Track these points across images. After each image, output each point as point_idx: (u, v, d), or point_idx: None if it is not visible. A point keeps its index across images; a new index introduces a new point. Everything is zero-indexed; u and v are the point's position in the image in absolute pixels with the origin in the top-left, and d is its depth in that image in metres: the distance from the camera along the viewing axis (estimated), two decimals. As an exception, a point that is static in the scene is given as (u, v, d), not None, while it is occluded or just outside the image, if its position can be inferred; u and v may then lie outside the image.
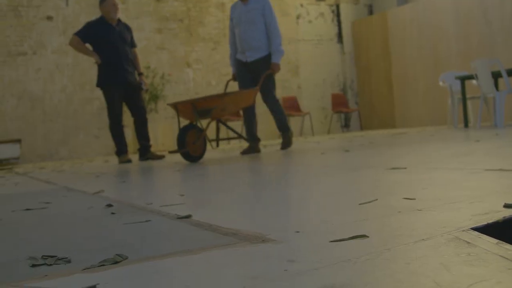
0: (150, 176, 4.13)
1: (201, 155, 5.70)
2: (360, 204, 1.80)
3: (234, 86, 12.20)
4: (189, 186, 3.04)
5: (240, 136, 6.25)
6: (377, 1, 14.08)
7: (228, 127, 6.22)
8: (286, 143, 6.58)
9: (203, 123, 12.07)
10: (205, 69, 12.07)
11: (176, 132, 11.25)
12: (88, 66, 10.42)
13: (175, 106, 5.73)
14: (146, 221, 1.86)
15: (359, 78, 13.96)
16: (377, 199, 1.86)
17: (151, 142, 9.71)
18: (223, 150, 8.00)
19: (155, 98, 10.77)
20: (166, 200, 2.46)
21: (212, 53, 12.18)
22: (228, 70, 12.35)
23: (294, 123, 12.87)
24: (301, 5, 13.40)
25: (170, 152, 5.58)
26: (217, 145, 6.34)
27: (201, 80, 12.00)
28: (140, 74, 7.07)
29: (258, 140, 6.54)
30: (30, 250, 1.51)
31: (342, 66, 13.87)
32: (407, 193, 1.96)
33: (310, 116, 12.62)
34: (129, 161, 6.88)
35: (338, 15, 13.90)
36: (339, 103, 13.21)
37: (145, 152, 6.99)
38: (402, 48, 12.68)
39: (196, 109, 5.63)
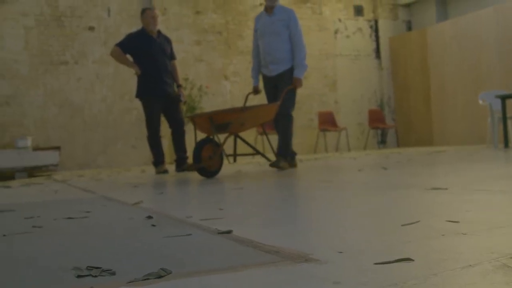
0: (188, 188, 4.16)
1: (217, 171, 5.50)
2: (402, 225, 1.78)
3: (254, 100, 12.22)
4: (227, 200, 3.05)
5: (257, 153, 6.01)
6: (416, 17, 13.99)
7: (246, 143, 5.98)
8: (276, 164, 5.88)
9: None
10: (242, 82, 12.12)
11: (231, 141, 11.31)
12: (128, 76, 10.57)
13: (193, 119, 5.55)
14: (187, 234, 1.88)
15: (397, 94, 13.86)
16: (419, 221, 1.84)
17: (188, 154, 9.77)
18: (259, 164, 8.00)
19: (192, 109, 10.85)
20: (205, 213, 2.47)
21: (250, 66, 12.23)
22: (265, 84, 12.36)
23: (330, 138, 12.82)
24: (339, 20, 13.39)
25: (184, 168, 5.46)
26: (234, 160, 6.16)
27: (238, 93, 12.05)
28: (178, 86, 7.13)
29: (294, 154, 6.30)
30: (73, 260, 1.53)
31: (379, 82, 13.79)
32: (450, 215, 1.93)
33: (347, 132, 12.57)
34: (166, 171, 6.93)
35: (376, 30, 13.85)
36: (376, 119, 13.13)
37: (182, 164, 7.04)
38: (441, 65, 12.56)
39: (214, 123, 5.43)
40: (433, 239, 1.50)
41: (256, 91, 6.51)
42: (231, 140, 11.27)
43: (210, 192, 3.70)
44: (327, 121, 12.55)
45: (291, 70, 6.19)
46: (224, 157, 6.53)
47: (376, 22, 13.81)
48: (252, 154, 6.11)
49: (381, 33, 13.81)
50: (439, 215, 1.96)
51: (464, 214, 1.93)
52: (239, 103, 12.06)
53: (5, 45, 10.36)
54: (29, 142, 9.94)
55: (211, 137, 5.54)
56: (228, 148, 11.09)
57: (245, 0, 12.25)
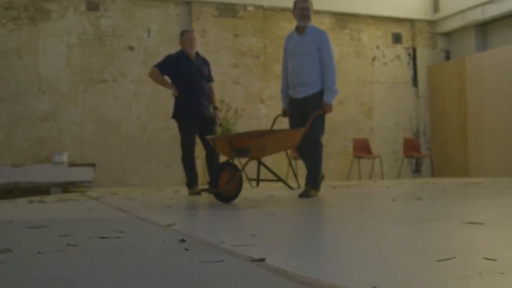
0: (220, 211, 4.16)
1: (235, 196, 5.26)
2: (438, 260, 1.75)
3: (282, 123, 12.22)
4: (260, 225, 3.05)
5: (279, 180, 5.77)
6: (455, 46, 13.89)
7: (267, 168, 5.75)
8: (305, 194, 5.69)
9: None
10: (278, 106, 12.10)
11: (254, 164, 11.31)
12: (164, 96, 10.67)
13: (213, 141, 5.44)
14: (220, 261, 1.88)
15: (433, 123, 13.73)
16: (455, 257, 1.81)
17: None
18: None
19: (227, 132, 10.91)
20: (238, 239, 2.47)
21: (285, 90, 12.27)
22: (301, 108, 12.38)
23: (364, 165, 12.73)
24: (377, 47, 13.36)
25: (201, 190, 5.35)
26: (257, 185, 5.98)
27: (273, 116, 12.03)
28: (215, 108, 7.16)
29: (322, 178, 6.06)
30: (107, 282, 1.54)
31: (416, 110, 13.69)
32: (487, 252, 1.90)
33: (381, 159, 12.47)
34: (199, 193, 6.95)
35: (414, 58, 13.78)
36: (411, 147, 13.00)
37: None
38: (479, 95, 12.41)
39: (233, 147, 5.19)
40: (469, 277, 1.48)
41: (285, 113, 6.30)
42: (254, 163, 11.24)
43: (243, 216, 3.70)
44: (362, 148, 12.48)
45: (320, 94, 5.86)
46: (247, 181, 6.34)
47: (414, 50, 13.75)
48: (275, 180, 5.87)
49: (419, 61, 13.73)
50: (475, 251, 1.92)
51: (502, 252, 1.89)
52: (275, 127, 12.05)
53: (48, 62, 10.60)
54: (65, 157, 10.11)
55: (231, 160, 5.33)
56: (252, 171, 11.09)
57: (283, 24, 12.33)
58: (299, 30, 6.01)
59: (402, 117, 13.52)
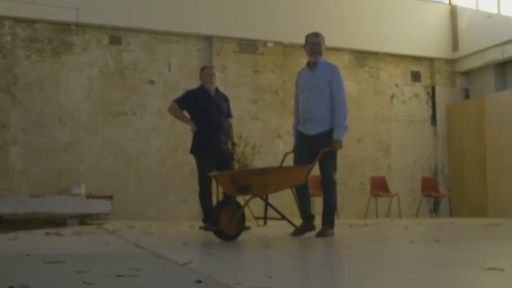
0: (237, 250, 4.15)
1: (237, 234, 5.13)
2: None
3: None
4: (277, 266, 3.03)
5: (283, 218, 5.71)
6: (474, 85, 13.85)
7: (272, 207, 5.65)
8: (322, 234, 5.58)
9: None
10: (296, 142, 12.15)
11: (261, 201, 11.27)
12: (183, 131, 10.71)
13: (216, 178, 5.34)
14: (237, 305, 1.86)
15: (451, 162, 13.63)
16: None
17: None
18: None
19: (244, 167, 10.91)
20: (254, 280, 2.45)
21: (304, 126, 12.30)
22: (318, 144, 12.38)
23: (381, 204, 12.62)
24: (396, 85, 13.37)
25: (201, 228, 5.24)
26: (265, 223, 5.89)
27: (291, 153, 12.05)
28: (233, 144, 7.19)
29: (312, 217, 5.88)
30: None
31: (434, 149, 13.61)
32: (508, 304, 1.87)
33: (398, 198, 12.37)
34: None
35: (433, 97, 13.76)
36: (429, 186, 12.89)
37: (244, 221, 7.02)
38: (498, 134, 12.33)
39: (235, 184, 5.08)
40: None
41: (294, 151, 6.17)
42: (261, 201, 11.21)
43: (259, 256, 3.68)
44: (379, 186, 12.40)
45: (330, 132, 5.73)
46: (254, 220, 6.25)
47: (433, 88, 13.74)
48: (281, 219, 5.75)
49: (438, 100, 13.70)
50: (496, 303, 1.89)
51: (523, 305, 1.86)
52: (290, 163, 12.05)
53: (69, 93, 10.73)
54: (83, 189, 10.15)
55: (233, 198, 5.21)
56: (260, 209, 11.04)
57: (303, 61, 12.32)
58: (310, 65, 5.95)
59: (420, 156, 13.45)
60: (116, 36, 11.10)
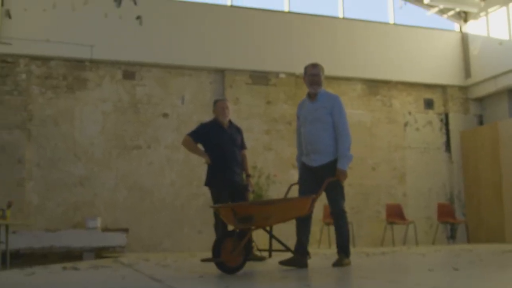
0: (253, 283, 4.13)
1: (239, 266, 5.00)
2: None
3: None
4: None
5: (287, 249, 5.59)
6: (488, 111, 13.83)
7: (274, 237, 5.55)
8: (339, 263, 5.53)
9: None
10: (310, 171, 12.14)
11: (276, 233, 11.21)
12: (197, 163, 10.76)
13: (218, 210, 5.22)
14: None
15: (467, 188, 13.54)
16: None
17: (253, 243, 9.74)
18: (325, 256, 7.87)
19: (259, 197, 10.90)
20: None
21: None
22: (333, 174, 12.38)
23: (397, 231, 12.54)
24: (409, 113, 13.38)
25: (202, 260, 5.10)
26: (270, 256, 5.72)
27: (305, 182, 12.05)
28: (247, 175, 7.20)
29: (307, 253, 5.70)
30: None
31: (449, 175, 13.54)
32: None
33: (415, 225, 12.27)
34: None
35: (446, 124, 13.74)
36: (445, 213, 12.79)
37: (248, 253, 7.00)
38: (514, 160, 12.26)
39: (236, 216, 4.98)
40: None
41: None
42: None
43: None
44: (395, 214, 12.32)
45: (335, 162, 5.64)
46: (258, 253, 6.16)
47: (446, 115, 13.72)
48: (285, 251, 5.62)
49: (451, 127, 13.68)
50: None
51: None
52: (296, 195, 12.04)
53: (83, 128, 10.84)
54: (98, 222, 10.19)
55: (236, 230, 5.12)
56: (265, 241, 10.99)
57: (315, 91, 12.46)
58: (311, 96, 5.90)
59: (435, 183, 13.38)
60: (129, 71, 11.25)
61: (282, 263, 5.50)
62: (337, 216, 5.71)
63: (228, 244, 5.00)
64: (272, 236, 5.58)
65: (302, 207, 5.30)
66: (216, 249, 4.97)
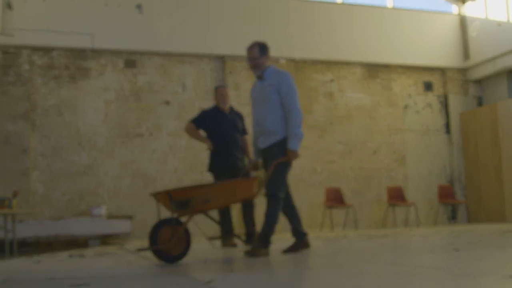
0: (257, 266, 4.21)
1: (181, 255, 4.78)
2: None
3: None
4: (298, 284, 3.08)
5: (232, 235, 5.18)
6: (487, 92, 13.87)
7: (215, 221, 5.40)
8: (253, 253, 5.05)
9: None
10: (311, 156, 12.24)
11: (282, 216, 11.29)
12: (199, 149, 10.85)
13: (155, 196, 4.95)
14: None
15: (467, 169, 13.62)
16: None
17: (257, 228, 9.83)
18: (328, 239, 7.96)
19: (261, 182, 10.97)
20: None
21: (318, 140, 12.38)
22: (333, 158, 12.46)
23: (399, 213, 12.66)
24: (409, 96, 13.43)
25: (139, 250, 4.93)
26: (223, 244, 5.28)
27: (306, 167, 12.15)
28: (250, 161, 7.28)
29: (305, 234, 5.50)
30: None
31: (449, 157, 13.62)
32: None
33: (416, 207, 12.38)
34: (235, 245, 7.00)
35: (446, 106, 13.79)
36: (446, 194, 12.89)
37: (251, 238, 7.10)
38: (514, 141, 12.33)
39: (173, 200, 4.72)
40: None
41: (254, 167, 5.73)
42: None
43: (280, 273, 3.74)
44: (396, 196, 12.42)
45: (283, 142, 5.24)
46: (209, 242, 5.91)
47: (446, 97, 13.77)
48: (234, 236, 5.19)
49: (451, 109, 13.73)
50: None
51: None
52: (307, 177, 12.14)
53: (86, 118, 10.91)
54: (103, 210, 10.28)
55: (175, 216, 4.85)
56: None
57: (315, 76, 12.51)
58: (259, 76, 5.54)
59: (436, 165, 13.46)
60: (131, 60, 11.29)
61: (286, 251, 5.30)
62: (269, 198, 5.25)
63: (166, 232, 4.75)
64: (213, 220, 5.33)
65: (246, 189, 4.99)
66: (153, 237, 4.71)
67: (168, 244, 4.66)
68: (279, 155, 5.18)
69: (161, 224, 4.81)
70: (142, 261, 5.14)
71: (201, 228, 5.93)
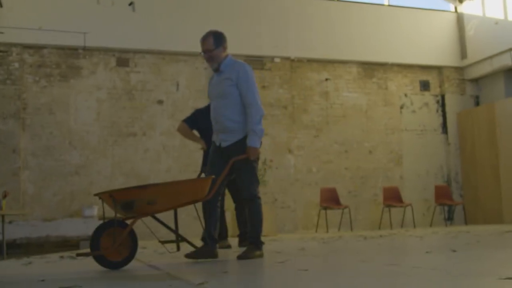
0: (251, 267, 4.11)
1: (124, 261, 4.43)
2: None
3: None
4: (293, 284, 2.99)
5: (182, 239, 4.95)
6: (484, 92, 13.80)
7: (164, 224, 5.00)
8: (248, 255, 4.82)
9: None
10: (306, 156, 12.14)
11: (277, 217, 11.22)
12: (193, 149, 10.72)
13: (99, 196, 4.55)
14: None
15: (464, 169, 13.55)
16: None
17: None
18: (323, 240, 7.86)
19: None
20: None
21: (314, 140, 12.27)
22: (329, 157, 12.36)
23: (395, 214, 12.56)
24: (405, 95, 13.34)
25: (78, 255, 4.54)
26: (178, 249, 5.07)
27: (301, 167, 12.06)
28: (244, 160, 7.18)
29: (215, 241, 5.11)
30: None
31: (446, 157, 13.54)
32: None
33: (412, 208, 12.29)
34: (229, 246, 6.91)
35: (443, 105, 13.71)
36: (442, 195, 12.80)
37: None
38: (510, 140, 12.25)
39: (116, 201, 4.36)
40: None
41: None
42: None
43: (275, 273, 3.64)
44: (392, 197, 12.33)
45: (244, 141, 4.87)
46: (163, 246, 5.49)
47: (442, 97, 13.70)
48: (181, 241, 4.98)
49: (448, 108, 13.66)
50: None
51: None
52: (302, 177, 12.04)
53: (78, 116, 10.79)
54: (95, 211, 10.17)
55: (119, 218, 4.52)
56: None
57: (311, 75, 12.41)
58: (216, 69, 5.12)
59: (432, 165, 13.38)
60: (123, 58, 11.18)
61: (188, 256, 4.94)
62: (248, 201, 4.97)
63: (107, 237, 4.39)
64: (161, 223, 5.00)
65: (198, 191, 4.65)
66: (94, 242, 4.35)
67: (110, 249, 4.31)
68: (240, 153, 4.84)
69: (103, 227, 4.44)
70: (134, 262, 5.03)
71: (183, 230, 5.68)
